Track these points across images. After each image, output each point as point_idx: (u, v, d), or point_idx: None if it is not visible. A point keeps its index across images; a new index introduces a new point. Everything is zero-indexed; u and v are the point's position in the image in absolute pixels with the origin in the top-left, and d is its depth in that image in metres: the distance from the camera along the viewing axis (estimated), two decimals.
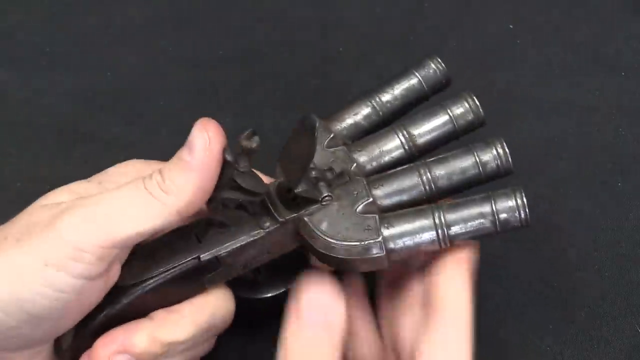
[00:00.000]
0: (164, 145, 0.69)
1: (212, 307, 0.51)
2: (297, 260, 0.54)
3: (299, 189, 0.50)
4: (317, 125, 0.51)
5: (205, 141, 0.47)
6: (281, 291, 0.55)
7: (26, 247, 0.45)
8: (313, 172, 0.51)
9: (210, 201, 0.49)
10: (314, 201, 0.51)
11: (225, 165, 0.47)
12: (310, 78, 0.74)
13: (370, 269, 0.51)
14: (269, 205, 0.51)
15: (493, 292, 0.61)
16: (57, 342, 0.50)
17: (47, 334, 0.47)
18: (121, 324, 0.49)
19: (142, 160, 0.54)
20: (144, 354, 0.49)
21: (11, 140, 0.70)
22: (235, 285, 0.53)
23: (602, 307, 0.61)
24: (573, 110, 0.71)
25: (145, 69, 0.75)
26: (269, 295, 0.55)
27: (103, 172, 0.52)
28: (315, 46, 0.76)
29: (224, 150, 0.47)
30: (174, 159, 0.47)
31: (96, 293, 0.47)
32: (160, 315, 0.50)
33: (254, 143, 0.47)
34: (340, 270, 0.52)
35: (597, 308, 0.60)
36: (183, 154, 0.47)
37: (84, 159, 0.69)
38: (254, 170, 0.49)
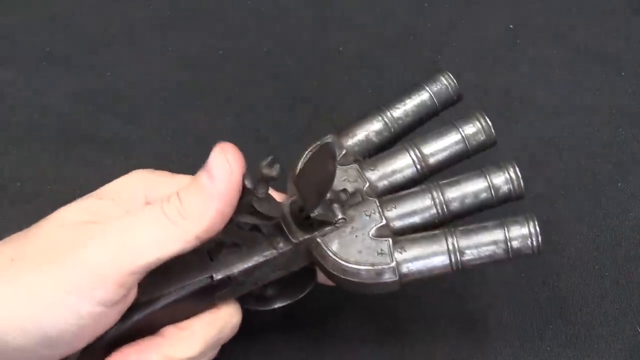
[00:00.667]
0: (164, 145, 0.70)
1: (221, 322, 0.51)
2: (304, 272, 0.54)
3: (315, 214, 0.50)
4: (338, 153, 0.51)
5: (226, 168, 0.46)
6: (287, 303, 0.55)
7: (47, 272, 0.45)
8: (328, 194, 0.51)
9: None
10: (328, 223, 0.51)
11: (244, 192, 0.47)
12: (310, 78, 0.74)
13: (382, 292, 0.51)
14: (283, 226, 0.51)
15: (493, 292, 0.61)
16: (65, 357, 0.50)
17: (62, 354, 0.47)
18: (131, 339, 0.49)
19: (148, 171, 0.53)
20: None
21: (11, 140, 0.70)
22: (243, 298, 0.53)
23: (602, 307, 0.61)
24: (573, 110, 0.71)
25: (145, 69, 0.75)
26: (276, 307, 0.55)
27: (111, 184, 0.51)
28: (315, 46, 0.76)
29: (244, 176, 0.47)
30: (194, 184, 0.47)
31: (114, 317, 0.47)
32: (170, 332, 0.50)
33: (274, 171, 0.47)
34: (349, 291, 0.51)
35: (597, 308, 0.60)
36: (202, 179, 0.46)
37: (84, 159, 0.68)
38: (270, 194, 0.49)
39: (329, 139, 0.55)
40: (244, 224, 0.49)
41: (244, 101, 0.73)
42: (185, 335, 0.50)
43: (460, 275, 0.61)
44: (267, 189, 0.48)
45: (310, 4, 0.79)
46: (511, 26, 0.77)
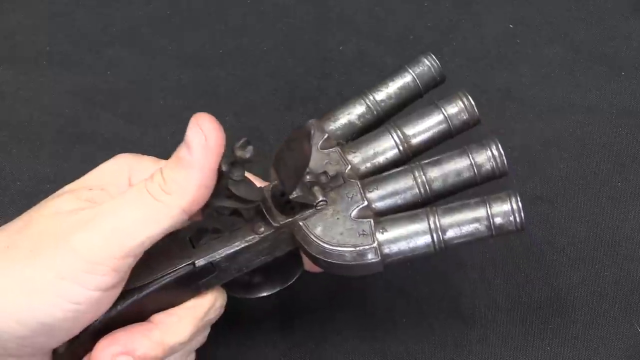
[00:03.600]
0: (163, 144, 0.70)
1: (207, 305, 0.51)
2: (291, 259, 0.54)
3: (294, 195, 0.49)
4: (313, 133, 0.51)
5: (202, 137, 0.46)
6: (275, 291, 0.55)
7: (40, 260, 0.45)
8: (307, 177, 0.51)
9: (204, 209, 0.48)
10: (308, 206, 0.50)
11: (219, 175, 0.47)
12: (310, 78, 0.74)
13: (365, 273, 0.51)
14: (264, 210, 0.50)
15: (493, 292, 0.61)
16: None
17: (60, 341, 0.48)
18: (118, 327, 0.49)
19: (132, 155, 0.53)
20: (146, 357, 0.49)
21: (11, 139, 0.70)
22: (229, 285, 0.53)
23: (602, 307, 0.61)
24: (573, 110, 0.71)
25: (145, 68, 0.75)
26: (263, 294, 0.55)
27: (97, 170, 0.52)
28: (315, 46, 0.76)
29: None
30: (174, 158, 0.47)
31: (111, 300, 0.47)
32: (160, 318, 0.50)
33: (247, 153, 0.46)
34: (333, 274, 0.51)
35: (597, 308, 0.61)
36: (182, 152, 0.47)
37: (84, 159, 0.69)
38: (248, 176, 0.49)
39: (310, 123, 0.54)
40: (224, 209, 0.48)
41: (244, 101, 0.73)
42: (174, 320, 0.50)
43: (460, 275, 0.62)
44: (243, 172, 0.48)
45: (310, 4, 0.79)
46: (511, 26, 0.77)
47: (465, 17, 0.78)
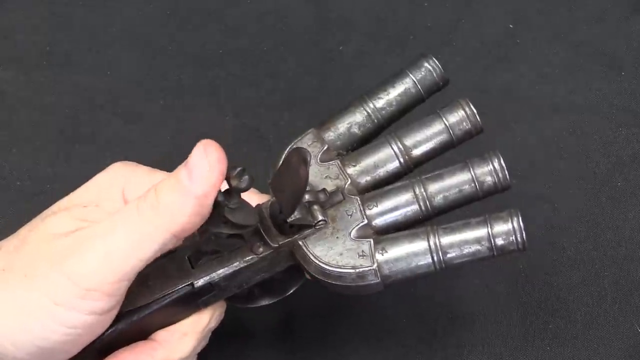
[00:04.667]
0: (163, 144, 0.70)
1: (207, 318, 0.51)
2: (292, 269, 0.53)
3: (292, 218, 0.48)
4: (309, 159, 0.49)
5: (205, 166, 0.44)
6: (275, 300, 0.54)
7: (34, 285, 0.45)
8: (307, 195, 0.50)
9: (201, 233, 0.48)
10: (308, 226, 0.49)
11: (216, 204, 0.46)
12: (310, 78, 0.74)
13: (366, 293, 0.50)
14: (262, 231, 0.50)
15: (493, 292, 0.61)
16: None
17: None
18: (121, 346, 0.50)
19: (126, 165, 0.52)
20: None
21: (11, 139, 0.70)
22: (229, 297, 0.52)
23: (602, 307, 0.61)
24: (573, 110, 0.71)
25: (145, 68, 0.75)
26: (263, 304, 0.54)
27: (91, 183, 0.51)
28: (315, 46, 0.76)
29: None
30: (173, 179, 0.45)
31: (108, 322, 0.47)
32: (162, 336, 0.50)
33: (243, 183, 0.46)
34: (334, 292, 0.51)
35: (597, 308, 0.61)
36: (182, 175, 0.45)
37: (84, 159, 0.69)
38: (244, 201, 0.48)
39: (309, 133, 0.54)
40: (221, 234, 0.48)
41: (244, 101, 0.73)
42: (177, 337, 0.50)
43: (460, 275, 0.62)
44: (239, 199, 0.47)
45: (310, 4, 0.79)
46: (511, 26, 0.77)
47: (465, 17, 0.78)
